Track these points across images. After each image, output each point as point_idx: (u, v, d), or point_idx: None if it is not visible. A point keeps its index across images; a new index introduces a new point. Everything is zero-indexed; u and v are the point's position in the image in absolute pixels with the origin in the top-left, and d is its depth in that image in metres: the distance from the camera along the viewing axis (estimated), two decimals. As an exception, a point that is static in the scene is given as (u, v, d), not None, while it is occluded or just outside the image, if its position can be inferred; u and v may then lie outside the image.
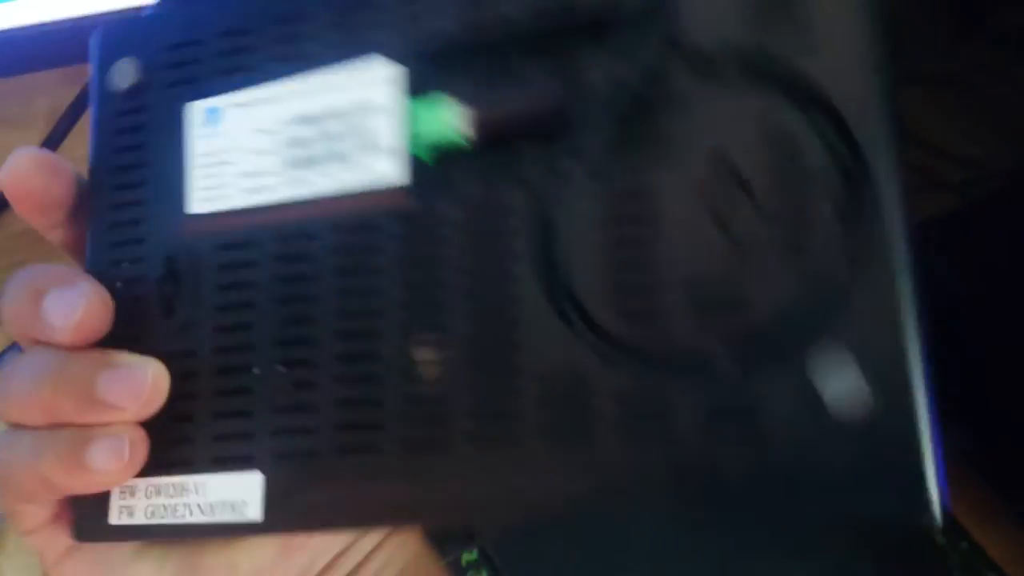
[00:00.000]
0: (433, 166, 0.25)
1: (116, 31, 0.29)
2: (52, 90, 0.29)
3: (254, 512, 0.24)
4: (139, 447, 0.25)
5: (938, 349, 0.22)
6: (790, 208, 0.21)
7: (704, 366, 0.21)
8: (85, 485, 0.25)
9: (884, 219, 0.20)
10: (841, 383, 0.20)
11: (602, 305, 0.22)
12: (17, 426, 0.25)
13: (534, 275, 0.23)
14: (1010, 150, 0.34)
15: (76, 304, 0.25)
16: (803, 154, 0.21)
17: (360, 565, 0.30)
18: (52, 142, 0.38)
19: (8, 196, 0.27)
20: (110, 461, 0.24)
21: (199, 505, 0.25)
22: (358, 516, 0.24)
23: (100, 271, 0.27)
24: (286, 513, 0.24)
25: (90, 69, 0.29)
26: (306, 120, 0.26)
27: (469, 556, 0.36)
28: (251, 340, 0.25)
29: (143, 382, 0.25)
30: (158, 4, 0.30)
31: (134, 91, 0.28)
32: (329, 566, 0.29)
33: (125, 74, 0.28)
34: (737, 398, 0.21)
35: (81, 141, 0.29)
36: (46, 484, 0.25)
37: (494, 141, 0.24)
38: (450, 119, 0.24)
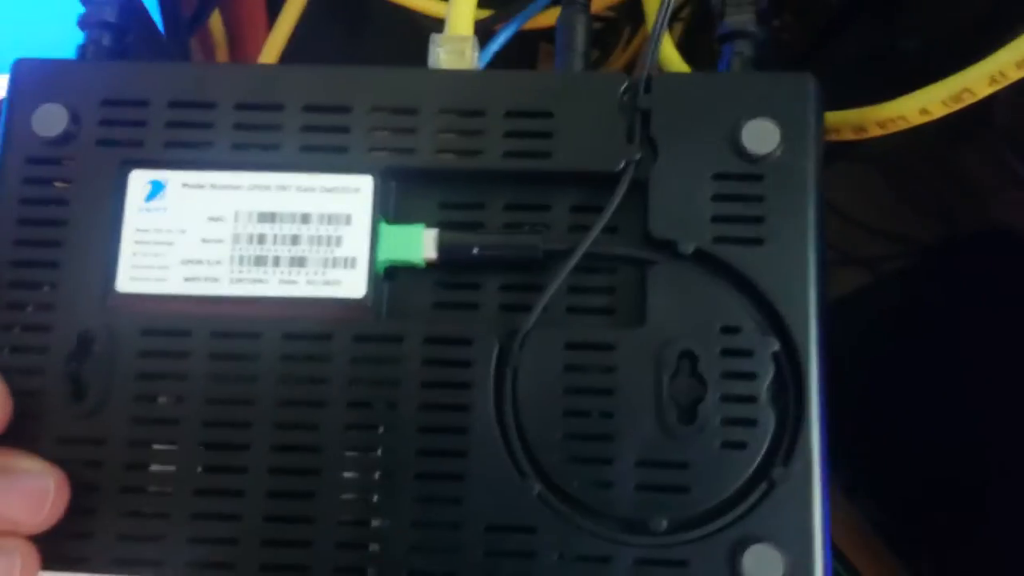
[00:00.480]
0: (395, 286, 0.25)
1: (40, 70, 0.26)
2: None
3: (158, 622, 0.23)
4: (30, 566, 0.23)
5: (847, 427, 0.25)
6: (728, 389, 0.24)
7: (643, 526, 0.23)
8: None
9: (808, 412, 0.23)
10: (759, 553, 0.23)
11: (553, 454, 0.24)
12: None
13: (488, 412, 0.24)
14: (930, 226, 0.38)
15: None
16: (743, 338, 0.24)
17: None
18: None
19: None
20: None
21: (92, 609, 0.23)
22: None
23: None
24: None
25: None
26: (267, 218, 0.25)
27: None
28: (172, 436, 0.24)
29: (43, 495, 0.23)
30: (83, 50, 0.28)
31: (59, 141, 0.26)
32: None
33: (52, 120, 0.26)
34: (667, 555, 0.23)
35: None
36: None
37: (458, 269, 0.25)
38: (417, 242, 0.25)
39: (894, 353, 0.37)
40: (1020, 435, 0.33)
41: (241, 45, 0.40)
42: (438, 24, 0.28)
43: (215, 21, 0.39)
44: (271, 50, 0.36)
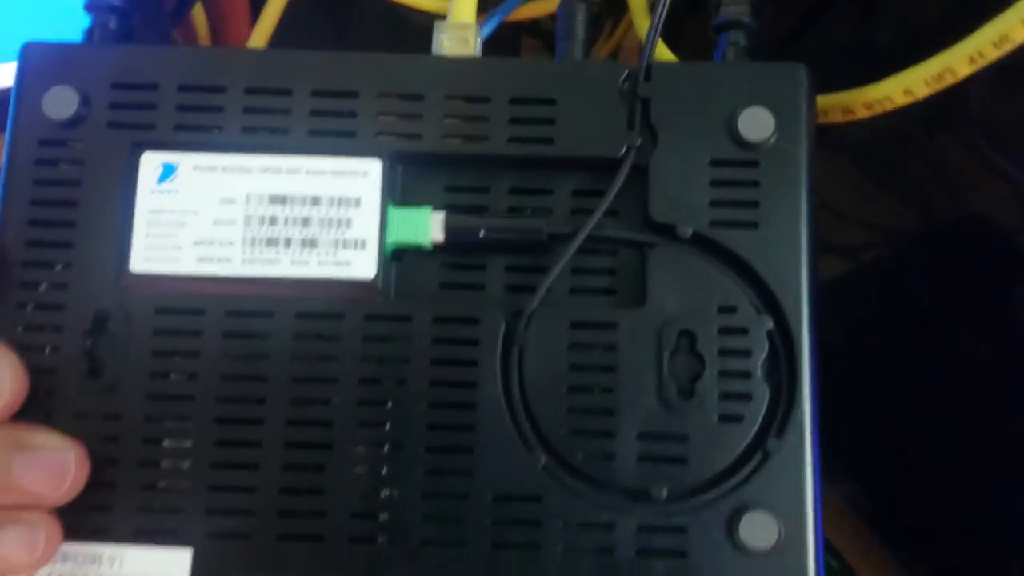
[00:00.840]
0: (403, 267, 0.26)
1: (50, 53, 0.26)
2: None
3: (178, 591, 0.24)
4: (53, 538, 0.23)
5: (834, 414, 0.26)
6: (725, 365, 0.25)
7: (644, 495, 0.24)
8: None
9: (800, 387, 0.25)
10: (755, 520, 0.24)
11: (558, 427, 0.25)
12: None
13: (495, 388, 0.25)
14: (909, 215, 0.39)
15: None
16: (739, 317, 0.25)
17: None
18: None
19: None
20: (20, 553, 0.23)
21: (112, 578, 0.24)
22: None
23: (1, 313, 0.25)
24: None
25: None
26: (279, 200, 0.26)
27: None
28: (188, 412, 0.25)
29: (64, 469, 0.23)
30: (90, 33, 0.28)
31: (70, 123, 0.26)
32: None
33: (63, 103, 0.26)
34: (668, 522, 0.24)
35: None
36: None
37: (464, 251, 0.26)
38: (425, 224, 0.26)
39: (873, 341, 0.38)
40: (1000, 420, 0.35)
41: (224, 38, 0.40)
42: (422, 17, 0.28)
43: (198, 14, 0.39)
44: (255, 44, 0.36)
